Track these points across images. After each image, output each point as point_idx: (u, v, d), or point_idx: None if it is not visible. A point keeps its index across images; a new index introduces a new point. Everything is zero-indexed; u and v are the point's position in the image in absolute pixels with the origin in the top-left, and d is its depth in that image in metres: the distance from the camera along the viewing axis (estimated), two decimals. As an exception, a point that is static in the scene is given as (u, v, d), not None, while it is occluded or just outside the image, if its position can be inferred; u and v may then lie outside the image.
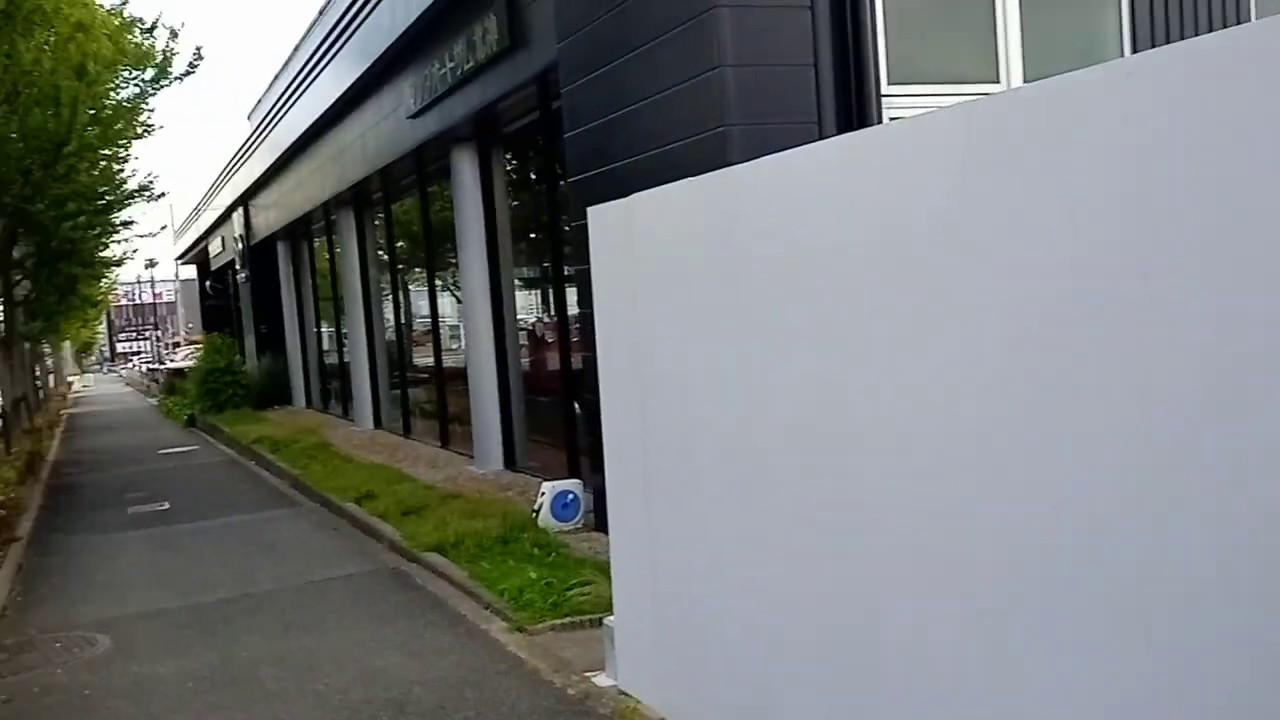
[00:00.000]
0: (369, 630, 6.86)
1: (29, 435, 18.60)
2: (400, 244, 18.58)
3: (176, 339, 72.27)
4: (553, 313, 12.09)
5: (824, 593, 3.80)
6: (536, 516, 9.17)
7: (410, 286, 18.16)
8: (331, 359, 23.36)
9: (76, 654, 6.86)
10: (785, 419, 3.96)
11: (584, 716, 5.11)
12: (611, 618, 5.51)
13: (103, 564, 9.85)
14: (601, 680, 5.54)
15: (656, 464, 4.92)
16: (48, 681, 6.32)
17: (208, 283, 39.53)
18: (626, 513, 5.29)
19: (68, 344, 66.05)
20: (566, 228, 10.83)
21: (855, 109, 7.23)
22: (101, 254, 23.93)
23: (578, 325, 10.87)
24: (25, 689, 6.20)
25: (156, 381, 44.94)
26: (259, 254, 26.29)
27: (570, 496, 9.29)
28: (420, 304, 17.48)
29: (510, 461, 12.86)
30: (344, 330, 20.57)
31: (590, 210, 5.38)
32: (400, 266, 18.65)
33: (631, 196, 5.01)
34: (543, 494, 9.30)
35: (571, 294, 11.15)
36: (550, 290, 12.28)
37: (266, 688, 5.86)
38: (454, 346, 15.68)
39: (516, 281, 13.28)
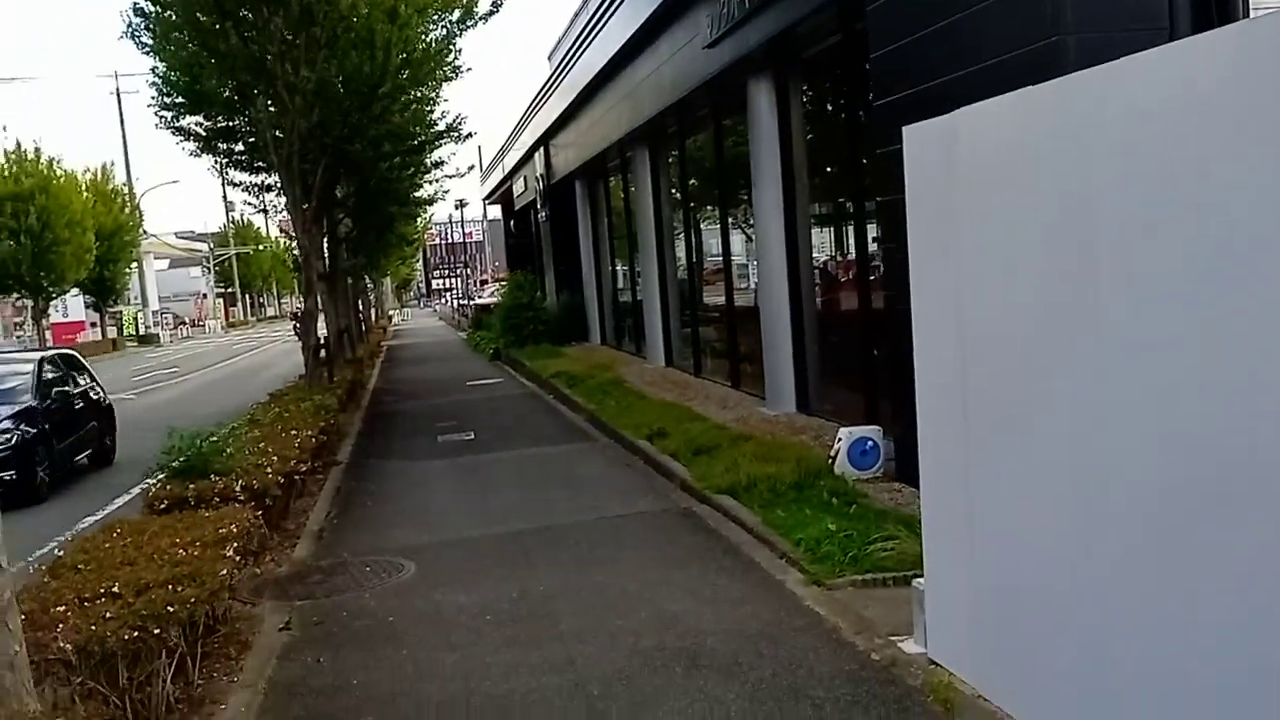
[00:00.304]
0: (661, 572, 6.70)
1: (350, 365, 19.97)
2: (693, 181, 18.42)
3: (484, 276, 76.35)
4: (850, 250, 11.51)
5: (1208, 589, 3.17)
6: (832, 463, 8.74)
7: (702, 224, 18.00)
8: (625, 297, 23.71)
9: (384, 579, 7.11)
10: (1148, 378, 3.33)
11: (890, 686, 4.69)
12: (920, 579, 5.04)
13: (413, 491, 10.31)
14: (909, 646, 5.10)
15: (980, 416, 4.37)
16: (356, 606, 6.57)
17: (511, 222, 41.36)
18: (940, 469, 4.78)
19: (388, 280, 71.41)
20: (865, 160, 10.22)
21: (1216, 14, 6.23)
22: (415, 193, 25.27)
23: (878, 262, 10.28)
24: (336, 612, 6.46)
25: (465, 316, 47.67)
26: (558, 193, 27.01)
27: (869, 443, 8.79)
28: (712, 242, 17.30)
29: (803, 404, 12.46)
30: (637, 268, 20.74)
31: (906, 130, 4.82)
32: (692, 204, 18.51)
33: (955, 112, 4.42)
34: (839, 440, 8.85)
35: (871, 230, 10.57)
36: (848, 226, 11.69)
37: (560, 626, 5.80)
38: (743, 286, 15.39)
39: (812, 217, 12.76)
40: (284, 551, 8.19)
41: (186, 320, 77.12)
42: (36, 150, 45.47)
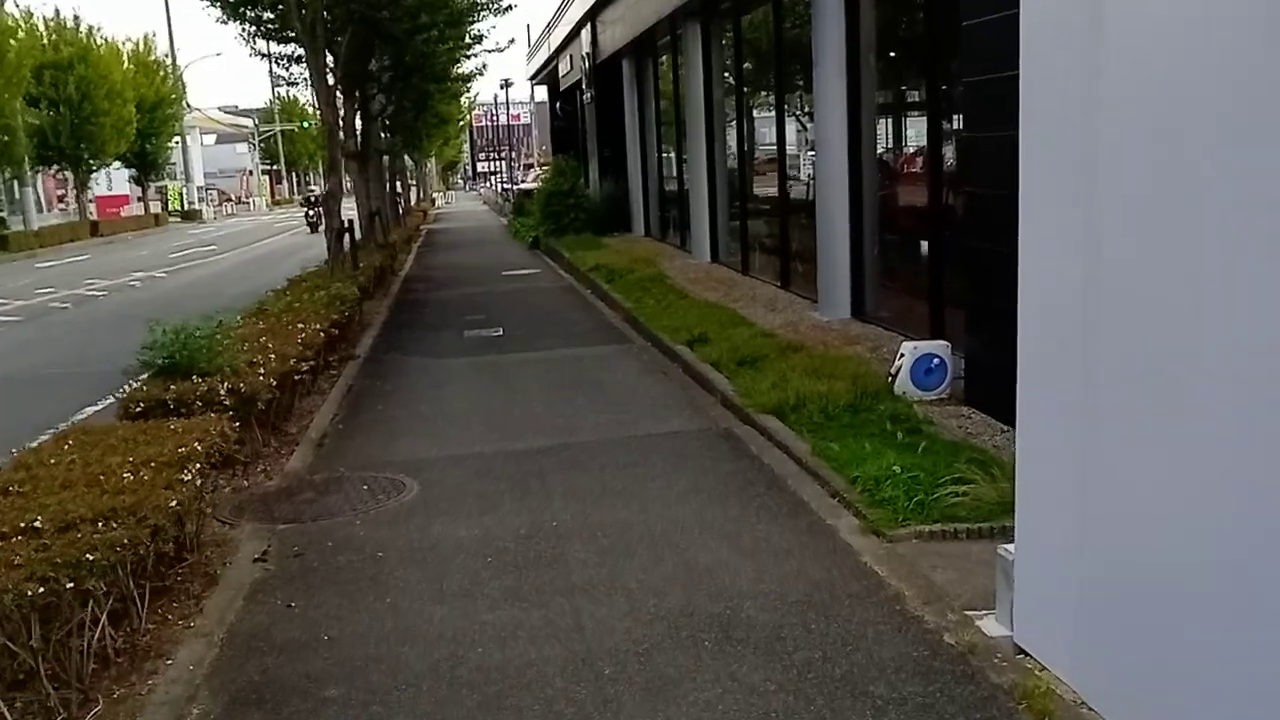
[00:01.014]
0: (693, 508, 5.81)
1: (382, 250, 19.09)
2: (747, 64, 17.05)
3: (529, 160, 74.86)
4: (920, 141, 10.32)
5: None
6: (892, 381, 7.75)
7: (755, 111, 16.69)
8: (671, 186, 22.52)
9: (380, 502, 6.28)
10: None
11: (969, 684, 3.78)
12: (1009, 546, 4.09)
13: (429, 393, 9.47)
14: (990, 626, 4.18)
15: (1112, 355, 3.36)
16: (344, 534, 5.75)
17: (558, 105, 39.88)
18: (1044, 411, 3.78)
19: (433, 162, 70.10)
20: (944, 37, 8.98)
21: None
22: (454, 69, 23.92)
23: (953, 155, 9.13)
24: (320, 541, 5.65)
25: (508, 201, 46.59)
26: (604, 73, 25.61)
27: (935, 361, 7.78)
28: (764, 131, 16.03)
29: (858, 309, 11.41)
30: (684, 156, 19.54)
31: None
32: (746, 89, 17.16)
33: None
34: (901, 355, 7.85)
35: (948, 119, 9.39)
36: (919, 114, 10.48)
37: (571, 577, 4.93)
38: (797, 177, 14.20)
39: (879, 105, 11.52)
40: (278, 461, 7.40)
41: (231, 197, 76.63)
42: (76, 19, 44.42)
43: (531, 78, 47.52)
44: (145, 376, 7.18)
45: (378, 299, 16.48)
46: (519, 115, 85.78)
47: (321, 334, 9.43)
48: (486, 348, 11.68)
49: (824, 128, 11.62)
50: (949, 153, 9.36)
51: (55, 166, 45.56)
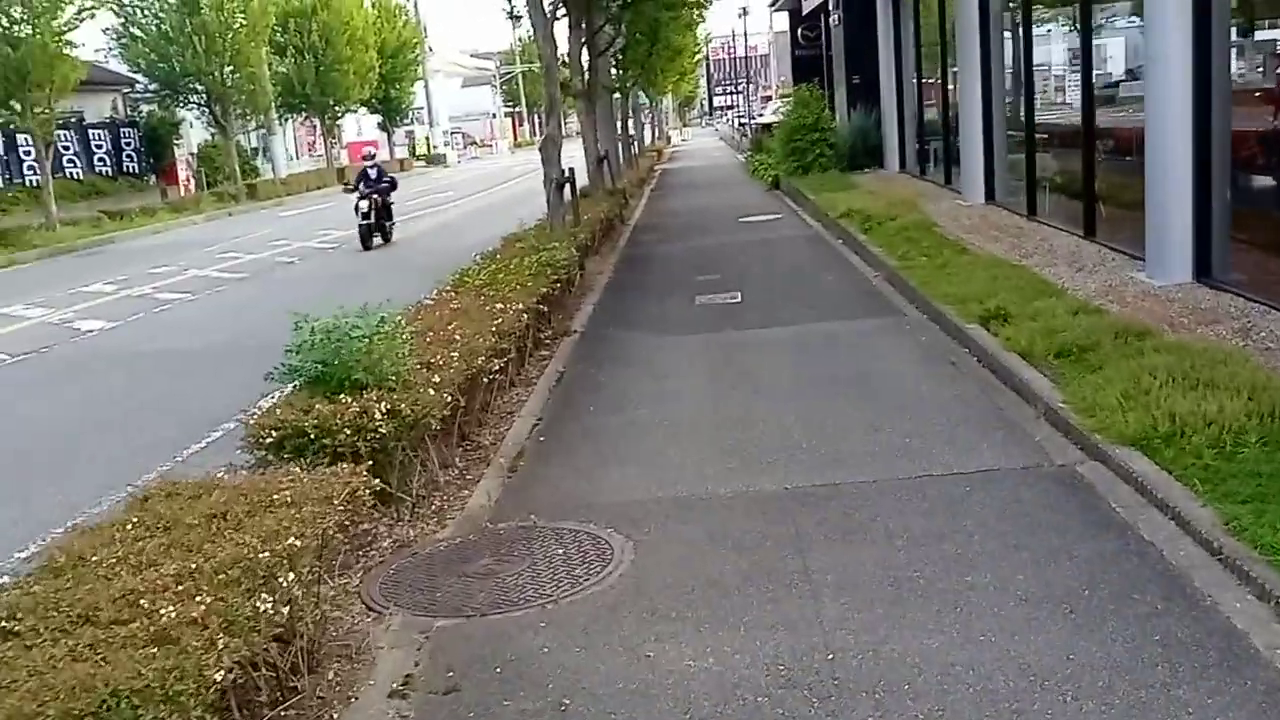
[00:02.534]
0: (1051, 641, 3.64)
1: (611, 197, 17.41)
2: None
3: (767, 93, 71.90)
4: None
5: None
6: (1315, 397, 5.29)
7: (1044, 21, 13.80)
8: (931, 114, 19.77)
9: (578, 583, 4.45)
10: None
11: None
12: None
13: (650, 388, 7.61)
14: None
15: None
16: (522, 650, 3.91)
17: (799, 31, 37.25)
18: None
19: (668, 98, 68.28)
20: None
21: None
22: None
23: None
24: (486, 662, 3.84)
25: (746, 137, 44.31)
26: (854, -9, 22.91)
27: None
28: (1055, 45, 13.19)
29: (1203, 269, 8.73)
30: (951, 76, 16.84)
31: None
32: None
33: None
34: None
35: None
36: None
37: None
38: (1107, 99, 11.41)
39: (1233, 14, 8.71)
40: (459, 494, 5.74)
41: (476, 140, 77.61)
42: (316, -36, 44.91)
43: (771, 3, 44.88)
44: (292, 387, 5.65)
45: (604, 254, 14.85)
46: (756, 46, 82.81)
47: (525, 315, 7.75)
48: (721, 320, 9.73)
49: (1157, 37, 8.91)
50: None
51: (303, 114, 46.55)
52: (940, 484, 5.18)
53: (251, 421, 5.08)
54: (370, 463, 4.64)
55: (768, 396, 7.12)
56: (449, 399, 5.63)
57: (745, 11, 65.58)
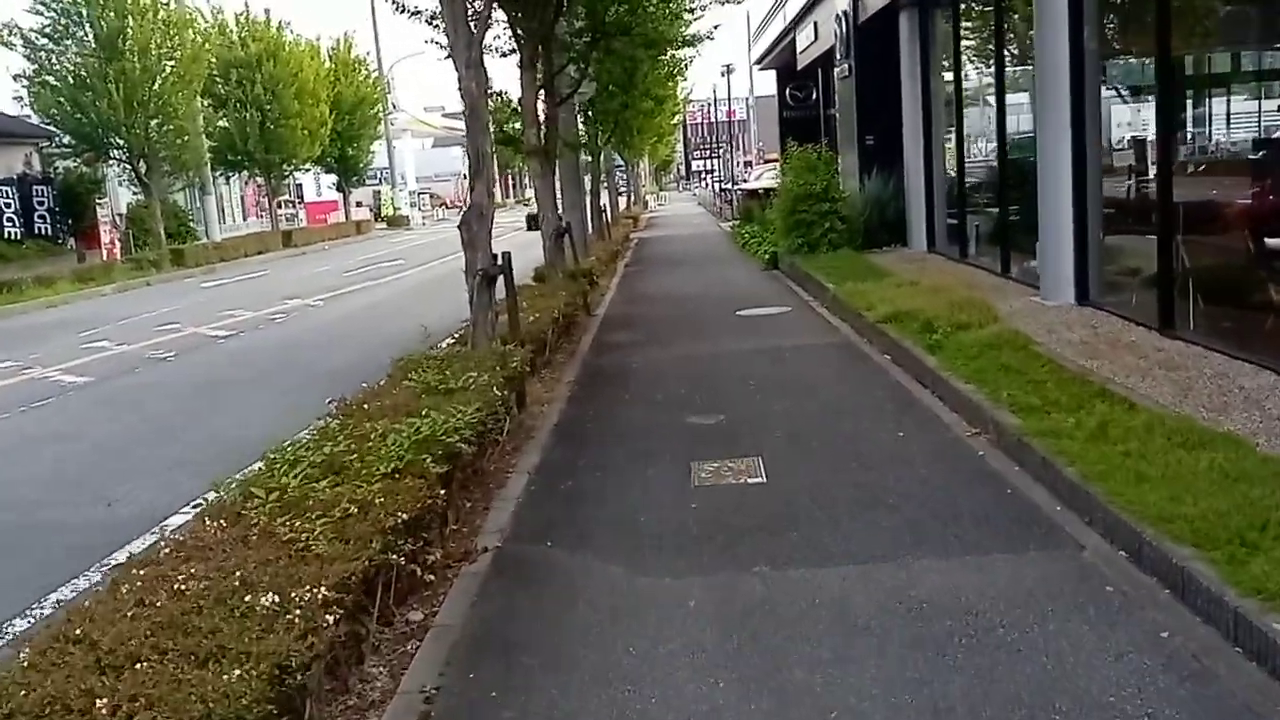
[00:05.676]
0: None
1: (573, 283, 13.35)
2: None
3: (749, 157, 68.67)
4: None
5: None
6: None
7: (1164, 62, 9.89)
8: (975, 178, 15.93)
9: None
10: None
11: None
12: None
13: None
14: None
15: None
16: None
17: (788, 90, 33.94)
18: None
19: (645, 161, 64.67)
20: None
21: None
22: (671, 30, 17.74)
23: None
24: None
25: (729, 204, 40.75)
26: (869, 37, 19.15)
27: None
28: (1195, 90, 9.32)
29: None
30: (1011, 132, 13.02)
31: None
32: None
33: None
34: None
35: None
36: None
37: None
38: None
39: None
40: None
41: (445, 201, 73.91)
42: (266, 13, 41.28)
43: (757, 62, 41.61)
44: None
45: (558, 366, 10.76)
46: (734, 111, 79.94)
47: (330, 611, 3.58)
48: (740, 534, 5.58)
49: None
50: None
51: (245, 172, 42.56)
52: None
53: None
54: None
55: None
56: None
57: (730, 69, 62.18)
